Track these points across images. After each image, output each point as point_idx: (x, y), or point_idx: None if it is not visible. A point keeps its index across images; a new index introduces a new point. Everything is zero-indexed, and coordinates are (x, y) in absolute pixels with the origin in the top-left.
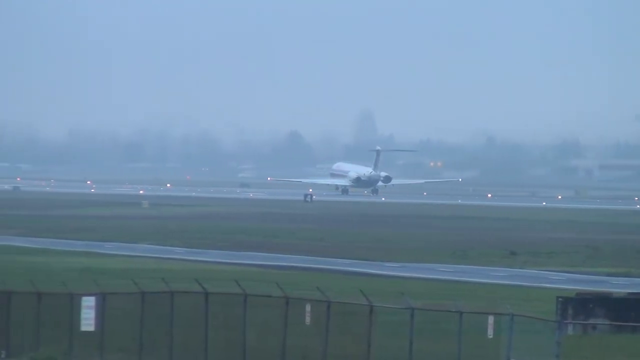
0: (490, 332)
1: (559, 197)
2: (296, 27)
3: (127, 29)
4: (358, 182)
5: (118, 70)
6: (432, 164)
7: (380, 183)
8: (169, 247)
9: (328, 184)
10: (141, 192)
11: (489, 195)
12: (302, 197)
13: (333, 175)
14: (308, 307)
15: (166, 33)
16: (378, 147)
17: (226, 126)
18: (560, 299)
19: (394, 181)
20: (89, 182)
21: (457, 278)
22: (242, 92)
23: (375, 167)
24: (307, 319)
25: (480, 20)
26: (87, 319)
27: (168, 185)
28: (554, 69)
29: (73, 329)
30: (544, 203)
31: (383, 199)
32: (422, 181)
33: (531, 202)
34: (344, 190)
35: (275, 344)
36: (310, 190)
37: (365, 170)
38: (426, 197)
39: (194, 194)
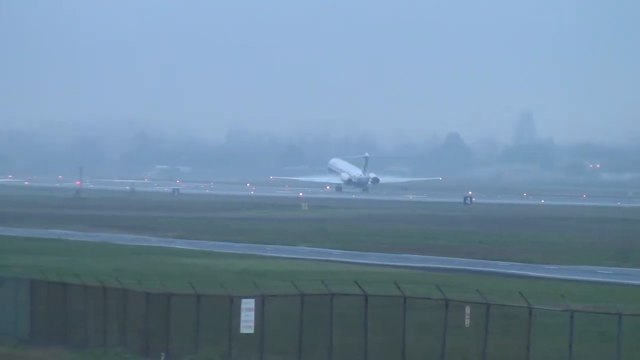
0: None
1: None
2: (459, 31)
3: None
4: (349, 182)
5: (272, 72)
6: (591, 165)
7: (369, 183)
8: (328, 250)
9: (323, 183)
10: (300, 194)
11: None
12: (461, 199)
13: (330, 170)
14: (467, 310)
15: (318, 37)
16: (366, 154)
17: (385, 128)
18: None
19: (382, 180)
20: (248, 185)
21: (617, 280)
22: (401, 94)
23: (365, 170)
24: (467, 321)
25: None
26: (247, 322)
27: (327, 187)
28: None
29: (232, 331)
30: None
31: (542, 201)
32: (407, 180)
33: None
34: (338, 189)
35: (434, 346)
36: (470, 192)
37: (356, 172)
38: (585, 200)
39: (353, 196)
